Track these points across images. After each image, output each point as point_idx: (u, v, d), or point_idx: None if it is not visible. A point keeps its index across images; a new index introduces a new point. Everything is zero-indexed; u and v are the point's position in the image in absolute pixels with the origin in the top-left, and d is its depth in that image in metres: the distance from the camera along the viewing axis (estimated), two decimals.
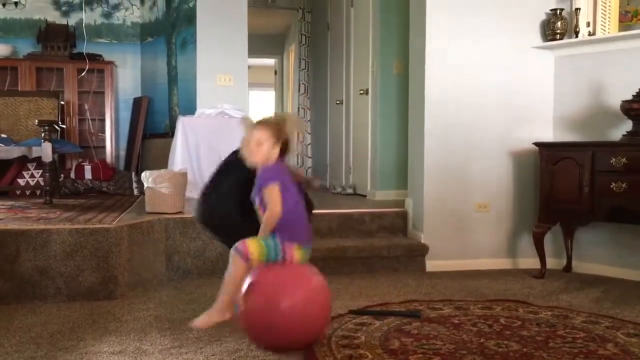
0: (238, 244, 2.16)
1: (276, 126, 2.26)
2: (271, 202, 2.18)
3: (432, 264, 3.80)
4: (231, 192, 2.43)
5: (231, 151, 2.52)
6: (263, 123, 2.27)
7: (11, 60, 5.93)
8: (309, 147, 8.09)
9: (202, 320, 2.21)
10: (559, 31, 3.84)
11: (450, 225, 3.85)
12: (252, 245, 2.16)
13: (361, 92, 5.41)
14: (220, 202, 2.44)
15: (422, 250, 3.79)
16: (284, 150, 2.28)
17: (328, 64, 6.84)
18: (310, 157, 8.07)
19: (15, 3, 6.16)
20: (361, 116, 5.52)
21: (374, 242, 3.81)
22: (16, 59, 5.96)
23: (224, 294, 2.19)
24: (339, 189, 5.75)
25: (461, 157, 3.86)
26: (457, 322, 2.58)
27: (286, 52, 9.84)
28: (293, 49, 8.94)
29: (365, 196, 5.27)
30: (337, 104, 6.28)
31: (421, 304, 2.90)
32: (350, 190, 5.60)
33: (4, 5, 6.16)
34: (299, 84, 8.33)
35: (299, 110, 8.33)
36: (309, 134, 8.11)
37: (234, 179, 2.45)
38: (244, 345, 2.23)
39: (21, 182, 5.18)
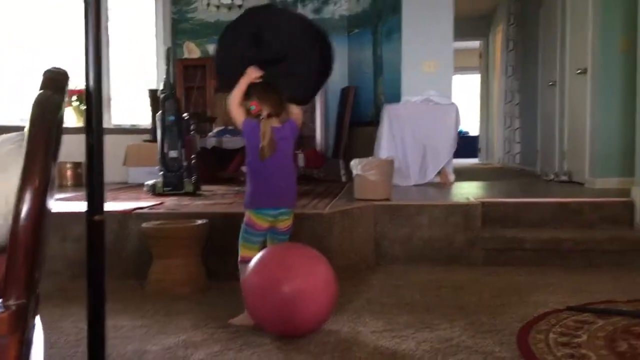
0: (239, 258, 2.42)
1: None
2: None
3: None
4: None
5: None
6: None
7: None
8: (517, 131, 7.72)
9: (236, 320, 2.39)
10: None
11: None
12: (240, 249, 2.42)
13: (579, 71, 4.99)
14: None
15: None
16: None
17: (539, 44, 6.43)
18: (518, 142, 7.70)
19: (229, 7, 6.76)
20: (578, 98, 5.10)
21: (595, 235, 3.50)
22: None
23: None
24: (552, 176, 5.41)
25: None
26: None
27: (492, 34, 9.46)
28: (500, 30, 8.57)
29: (583, 184, 4.86)
30: (550, 85, 5.88)
31: None
32: (564, 177, 5.22)
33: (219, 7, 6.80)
34: (506, 66, 7.98)
35: (505, 94, 7.98)
36: (517, 118, 7.73)
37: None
38: (455, 333, 2.22)
39: (244, 169, 5.71)
